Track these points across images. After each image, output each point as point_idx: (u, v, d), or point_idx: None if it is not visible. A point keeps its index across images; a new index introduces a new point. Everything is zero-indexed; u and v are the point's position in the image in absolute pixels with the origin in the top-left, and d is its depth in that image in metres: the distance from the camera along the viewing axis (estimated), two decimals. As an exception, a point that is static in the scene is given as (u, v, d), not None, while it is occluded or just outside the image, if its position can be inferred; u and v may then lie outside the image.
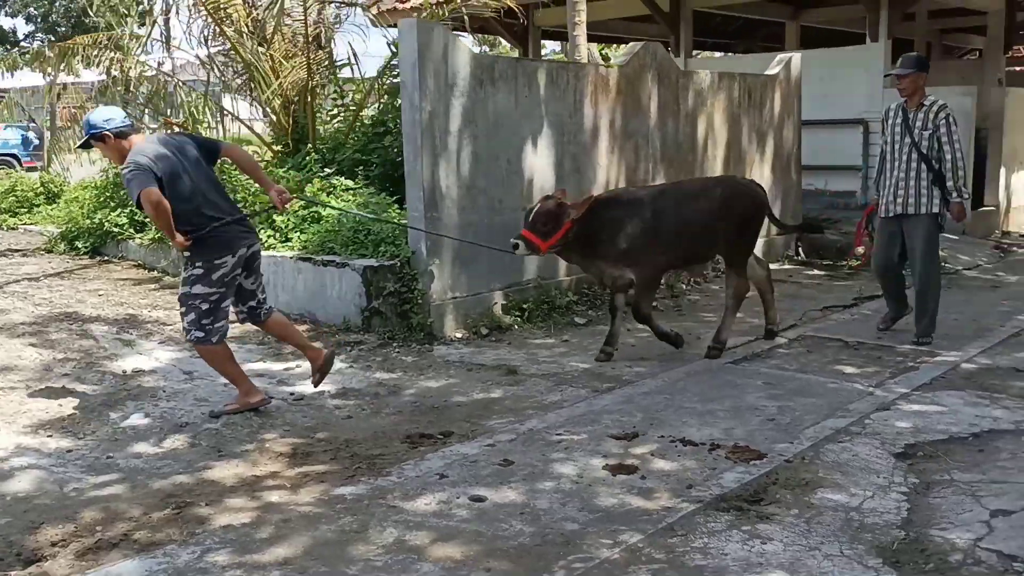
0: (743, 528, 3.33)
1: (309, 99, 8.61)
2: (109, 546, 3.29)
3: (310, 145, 8.35)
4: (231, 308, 4.86)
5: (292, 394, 5.11)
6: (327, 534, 3.35)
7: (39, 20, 49.10)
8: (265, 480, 3.90)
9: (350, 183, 7.77)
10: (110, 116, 4.63)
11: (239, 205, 7.67)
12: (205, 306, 4.64)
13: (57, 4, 48.35)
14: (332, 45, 9.12)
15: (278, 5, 7.65)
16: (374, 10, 9.59)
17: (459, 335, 6.38)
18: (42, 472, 3.95)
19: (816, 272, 8.98)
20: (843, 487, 3.68)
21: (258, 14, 8.77)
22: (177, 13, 8.66)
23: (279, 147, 9.11)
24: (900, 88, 6.03)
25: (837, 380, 5.28)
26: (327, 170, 8.03)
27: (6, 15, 50.71)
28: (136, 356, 5.73)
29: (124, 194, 8.53)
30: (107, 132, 4.57)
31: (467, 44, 6.58)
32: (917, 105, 5.98)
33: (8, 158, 19.08)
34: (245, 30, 8.61)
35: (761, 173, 9.38)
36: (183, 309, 4.71)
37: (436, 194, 6.33)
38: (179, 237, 4.52)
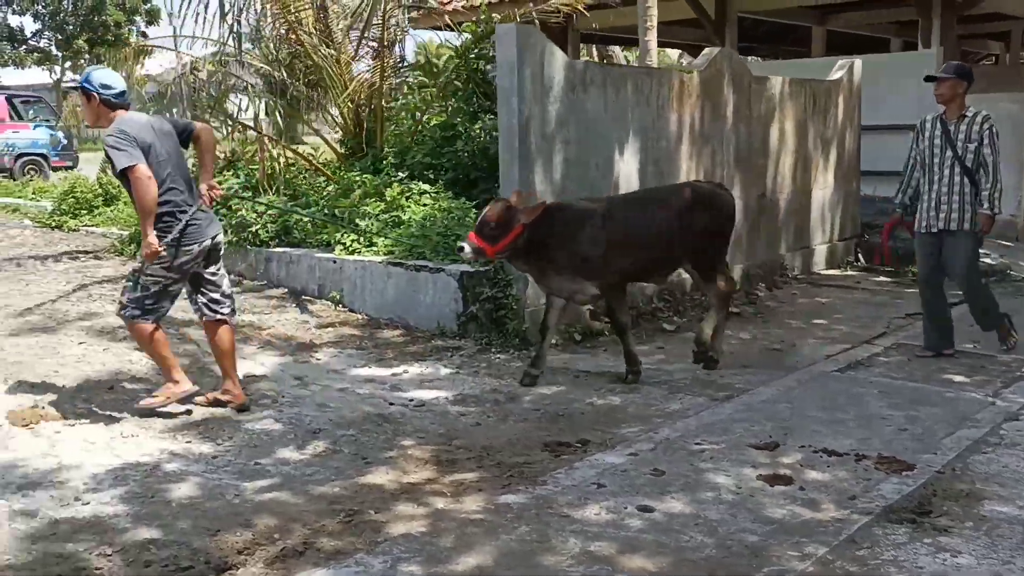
0: (925, 541, 3.34)
1: (378, 102, 8.60)
2: (295, 554, 3.30)
3: (387, 149, 8.35)
4: (192, 302, 4.89)
5: (411, 400, 5.11)
6: (510, 543, 3.36)
7: (47, 18, 48.90)
8: (423, 487, 3.91)
9: (427, 187, 7.79)
10: (108, 82, 4.58)
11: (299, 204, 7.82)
12: (155, 288, 4.62)
13: (65, 3, 48.22)
14: (401, 48, 9.11)
15: (369, 9, 7.61)
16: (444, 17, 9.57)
17: (552, 341, 6.38)
18: (198, 478, 3.96)
19: (882, 278, 9.00)
20: (1008, 499, 3.70)
21: (326, 17, 8.78)
22: (243, 15, 8.44)
23: (345, 150, 9.11)
24: (937, 94, 5.89)
25: (951, 389, 5.30)
26: (400, 174, 8.05)
27: (13, 13, 50.54)
28: (243, 361, 5.70)
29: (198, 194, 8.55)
30: (94, 93, 4.54)
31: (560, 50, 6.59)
32: (958, 116, 5.83)
33: (38, 158, 19.02)
34: (314, 33, 8.60)
35: (825, 179, 9.42)
36: (129, 284, 4.68)
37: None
38: (152, 237, 4.43)
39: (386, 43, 8.48)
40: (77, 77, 4.49)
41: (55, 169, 19.07)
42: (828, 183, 9.46)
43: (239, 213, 7.89)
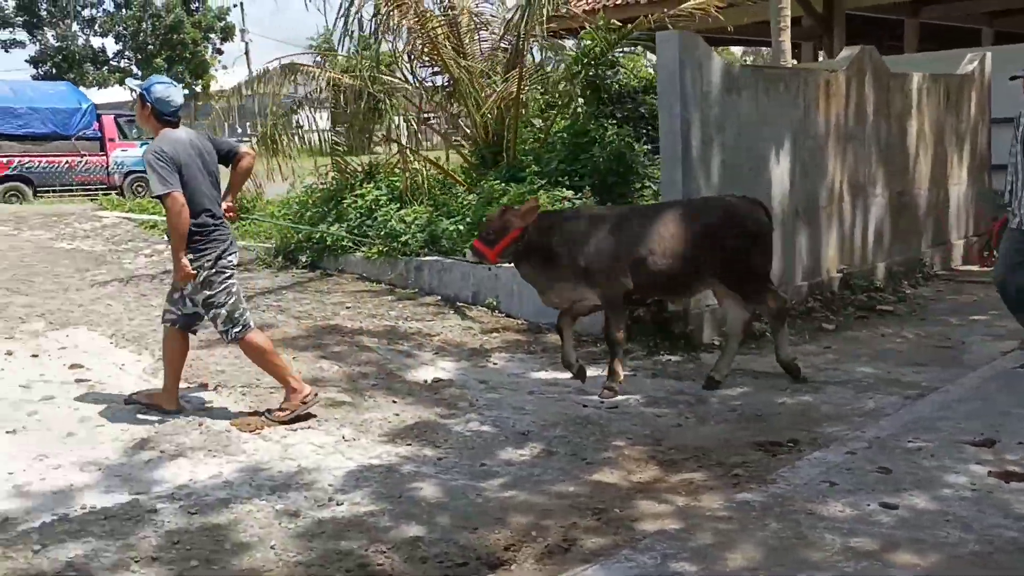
0: None
1: (515, 111, 8.75)
2: (560, 551, 3.43)
3: (530, 157, 8.50)
4: (166, 306, 4.96)
5: (602, 402, 5.22)
6: (768, 540, 3.43)
7: (127, 39, 50.50)
8: (655, 486, 4.01)
9: (569, 194, 7.91)
10: (165, 97, 4.69)
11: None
12: (231, 299, 4.77)
13: (145, 23, 49.71)
14: (531, 56, 9.27)
15: (525, 20, 7.75)
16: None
17: (716, 342, 6.45)
18: (434, 479, 4.11)
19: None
20: None
21: (458, 30, 8.97)
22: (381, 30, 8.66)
23: (476, 160, 9.29)
24: None
25: None
26: (539, 181, 8.18)
27: (95, 35, 52.26)
28: (425, 367, 5.90)
29: (344, 207, 8.81)
30: (150, 104, 4.67)
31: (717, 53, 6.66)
32: None
33: (145, 175, 19.64)
34: (448, 45, 8.79)
35: (960, 174, 9.31)
36: (211, 314, 4.79)
37: (693, 203, 6.41)
38: (184, 260, 4.60)
39: (525, 52, 8.61)
40: (139, 82, 4.62)
41: (162, 186, 19.66)
42: (963, 178, 9.34)
43: (388, 223, 8.11)
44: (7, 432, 4.62)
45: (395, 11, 8.27)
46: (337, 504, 3.86)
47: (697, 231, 5.24)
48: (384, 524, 3.67)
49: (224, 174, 5.01)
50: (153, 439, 4.56)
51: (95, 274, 8.53)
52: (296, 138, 9.63)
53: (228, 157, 4.93)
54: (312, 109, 9.87)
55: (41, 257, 9.47)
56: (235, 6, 53.67)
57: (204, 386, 5.43)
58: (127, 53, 51.53)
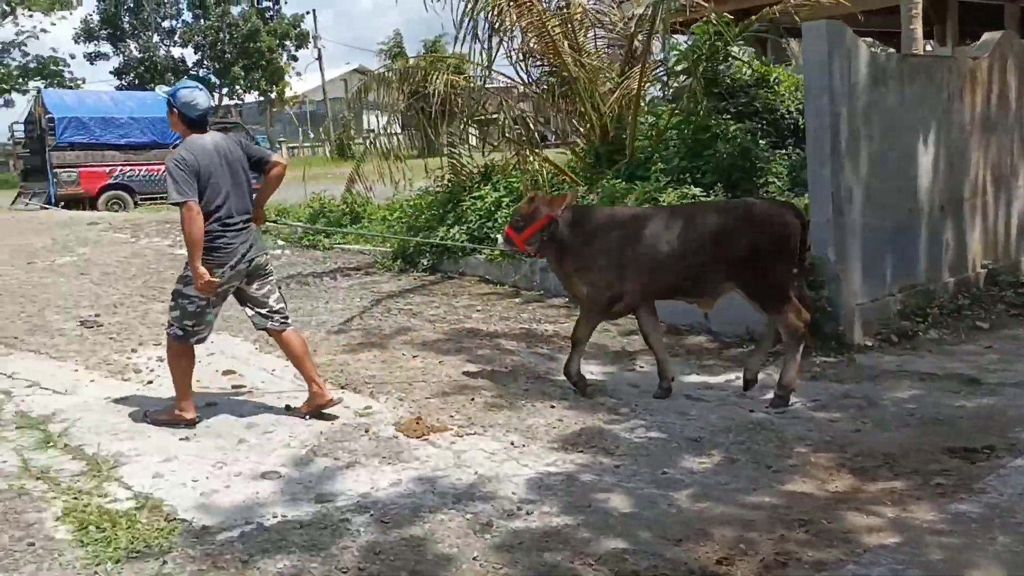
0: None
1: (634, 107, 8.60)
2: (778, 565, 3.27)
3: (644, 155, 8.34)
4: (247, 312, 4.97)
5: (768, 407, 5.05)
6: (1002, 555, 3.24)
7: (206, 48, 51.65)
8: (856, 496, 3.83)
9: (697, 191, 7.74)
10: (191, 101, 4.73)
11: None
12: (191, 308, 4.74)
13: (222, 34, 50.80)
14: (650, 53, 9.10)
15: (661, 7, 7.58)
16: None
17: (868, 343, 6.21)
18: (619, 488, 3.99)
19: None
20: None
21: (574, 28, 8.85)
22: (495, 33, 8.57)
23: (590, 159, 9.16)
24: None
25: None
26: (662, 179, 8.01)
27: (176, 45, 53.58)
28: (570, 369, 5.79)
29: (461, 209, 8.77)
30: (175, 108, 4.73)
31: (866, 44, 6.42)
32: None
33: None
34: (564, 43, 8.68)
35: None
36: (172, 303, 4.83)
37: (842, 198, 6.19)
38: (202, 270, 4.56)
39: (649, 48, 8.46)
40: (167, 88, 4.67)
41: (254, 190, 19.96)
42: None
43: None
44: (180, 439, 4.65)
45: (513, 10, 8.18)
46: (527, 514, 3.76)
47: (709, 234, 5.05)
48: (582, 536, 3.56)
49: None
50: (323, 446, 4.54)
51: (221, 280, 8.63)
52: (402, 141, 9.59)
53: (260, 165, 4.90)
54: (416, 113, 9.81)
55: (166, 264, 9.64)
56: (307, 13, 54.31)
57: (349, 390, 5.41)
58: (205, 62, 52.77)
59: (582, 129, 9.30)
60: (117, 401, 5.19)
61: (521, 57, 9.01)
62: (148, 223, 12.89)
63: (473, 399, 5.23)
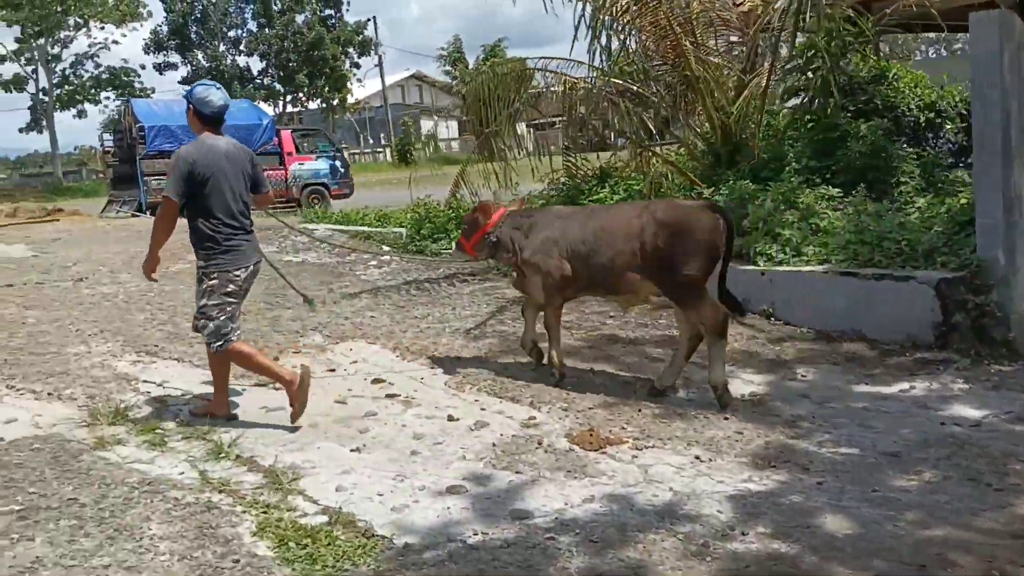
0: None
1: (760, 105, 8.33)
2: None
3: (790, 155, 8.07)
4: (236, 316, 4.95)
5: (954, 418, 4.75)
6: None
7: (272, 57, 52.22)
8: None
9: (834, 191, 7.45)
10: (206, 98, 4.86)
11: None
12: (222, 316, 4.80)
13: (287, 42, 51.37)
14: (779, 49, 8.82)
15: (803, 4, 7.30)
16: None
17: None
18: (831, 507, 3.74)
19: None
20: None
21: (693, 27, 8.60)
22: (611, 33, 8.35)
23: (710, 159, 8.90)
24: None
25: None
26: (794, 179, 7.72)
27: (242, 54, 54.30)
28: (730, 379, 5.54)
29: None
30: (191, 105, 4.89)
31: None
32: None
33: (320, 187, 20.08)
34: (687, 43, 8.44)
35: None
36: (202, 322, 4.84)
37: (1011, 198, 5.85)
38: (155, 258, 4.88)
39: (778, 46, 8.19)
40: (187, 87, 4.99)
41: (335, 197, 20.08)
42: None
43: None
44: (351, 450, 4.51)
45: (638, 9, 7.97)
46: (742, 535, 3.54)
47: (625, 233, 5.22)
48: (811, 560, 3.33)
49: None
50: (500, 459, 4.36)
51: (339, 286, 8.53)
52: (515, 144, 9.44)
53: (255, 187, 5.06)
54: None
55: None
56: (369, 20, 54.78)
57: (507, 399, 5.24)
58: (270, 71, 53.45)
59: (699, 129, 9.04)
60: (274, 410, 5.08)
61: (640, 57, 8.78)
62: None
63: (640, 410, 5.02)
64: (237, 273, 4.81)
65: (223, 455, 4.43)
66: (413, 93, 74.20)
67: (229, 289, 4.81)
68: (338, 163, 20.57)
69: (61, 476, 4.17)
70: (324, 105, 56.76)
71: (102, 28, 50.72)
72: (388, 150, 56.62)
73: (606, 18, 8.07)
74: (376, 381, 5.62)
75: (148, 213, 17.55)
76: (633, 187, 8.44)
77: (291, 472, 4.20)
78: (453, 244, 6.27)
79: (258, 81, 52.59)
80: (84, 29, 50.12)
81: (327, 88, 55.19)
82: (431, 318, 7.16)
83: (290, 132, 19.83)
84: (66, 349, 6.49)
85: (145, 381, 5.75)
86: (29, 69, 49.58)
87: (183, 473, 4.24)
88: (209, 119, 4.88)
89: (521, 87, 8.90)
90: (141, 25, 51.02)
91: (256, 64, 53.61)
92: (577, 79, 8.79)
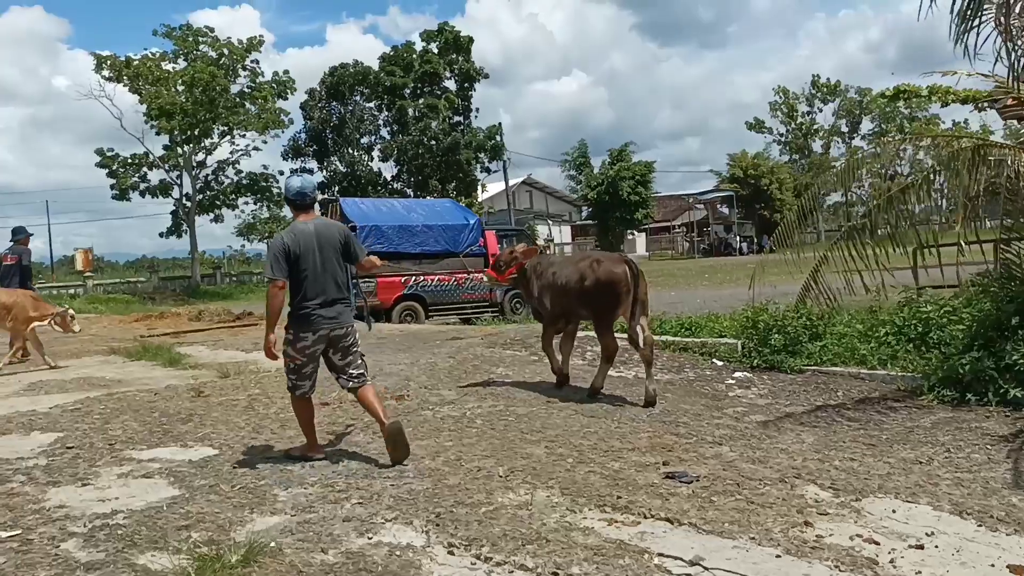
0: None
1: None
2: None
3: None
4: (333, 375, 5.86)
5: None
6: None
7: (406, 162, 52.61)
8: None
9: None
10: (290, 186, 5.76)
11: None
12: (292, 365, 5.67)
13: (421, 148, 51.88)
14: None
15: None
16: None
17: None
18: None
19: None
20: None
21: None
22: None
23: None
24: None
25: None
26: None
27: (377, 160, 55.00)
28: None
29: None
30: (285, 194, 5.83)
31: None
32: None
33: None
34: None
35: None
36: (284, 366, 5.73)
37: None
38: (272, 338, 5.66)
39: None
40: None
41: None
42: None
43: None
44: None
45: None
46: None
47: (569, 277, 7.55)
48: None
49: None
50: None
51: (728, 407, 6.93)
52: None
53: (352, 258, 5.79)
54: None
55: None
56: (496, 125, 55.23)
57: None
58: (403, 175, 53.92)
59: None
60: None
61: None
62: (502, 336, 11.47)
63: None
64: (305, 338, 5.59)
65: None
66: (523, 198, 74.85)
67: (299, 346, 5.60)
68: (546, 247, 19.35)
69: None
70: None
71: (243, 135, 52.14)
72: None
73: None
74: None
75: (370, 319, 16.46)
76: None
77: None
78: (484, 276, 9.00)
79: (392, 186, 53.03)
80: (228, 137, 51.64)
81: (456, 193, 55.34)
82: (929, 460, 5.48)
83: (494, 233, 18.73)
84: (494, 497, 4.99)
85: (662, 555, 4.17)
86: (174, 175, 51.12)
87: None
88: (294, 203, 5.72)
89: (973, 170, 7.19)
90: (282, 132, 52.25)
91: (388, 169, 54.20)
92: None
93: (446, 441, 6.22)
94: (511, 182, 71.29)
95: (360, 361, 5.78)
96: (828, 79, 78.70)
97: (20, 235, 13.77)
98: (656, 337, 9.17)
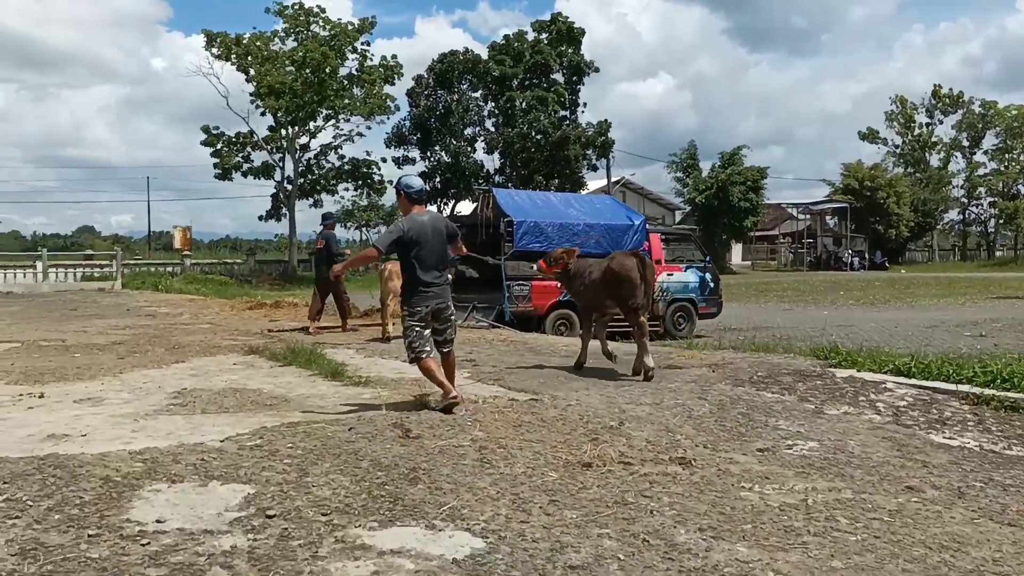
0: None
1: None
2: None
3: None
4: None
5: None
6: None
7: (512, 155, 50.67)
8: None
9: None
10: (412, 185, 7.16)
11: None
12: (413, 334, 6.91)
13: (529, 142, 49.96)
14: None
15: None
16: None
17: None
18: None
19: None
20: None
21: None
22: None
23: None
24: None
25: None
26: None
27: (481, 151, 53.16)
28: None
29: None
30: (402, 191, 7.11)
31: None
32: None
33: (687, 304, 16.68)
34: None
35: None
36: (405, 338, 7.04)
37: None
38: (339, 267, 8.16)
39: None
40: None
41: (702, 317, 16.66)
42: None
43: None
44: None
45: None
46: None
47: (600, 273, 9.27)
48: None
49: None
50: None
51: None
52: None
53: (451, 239, 7.17)
54: None
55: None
56: (605, 121, 53.00)
57: None
58: (507, 168, 52.00)
59: None
60: None
61: None
62: (735, 369, 9.31)
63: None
64: (418, 308, 6.95)
65: None
66: (618, 199, 72.93)
67: (416, 316, 6.93)
68: (708, 275, 17.12)
69: None
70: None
71: (348, 120, 50.84)
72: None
73: None
74: None
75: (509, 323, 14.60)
76: None
77: None
78: (534, 267, 10.90)
79: (495, 179, 51.23)
80: (333, 121, 50.39)
81: (559, 189, 53.35)
82: None
83: (659, 236, 16.62)
84: None
85: None
86: (276, 157, 50.08)
87: None
88: (412, 198, 7.06)
89: None
90: (388, 118, 50.84)
91: (491, 161, 52.45)
92: None
93: (816, 551, 4.15)
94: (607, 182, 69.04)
95: (453, 327, 7.27)
96: (951, 89, 74.40)
97: (329, 219, 14.73)
98: (951, 386, 7.10)
